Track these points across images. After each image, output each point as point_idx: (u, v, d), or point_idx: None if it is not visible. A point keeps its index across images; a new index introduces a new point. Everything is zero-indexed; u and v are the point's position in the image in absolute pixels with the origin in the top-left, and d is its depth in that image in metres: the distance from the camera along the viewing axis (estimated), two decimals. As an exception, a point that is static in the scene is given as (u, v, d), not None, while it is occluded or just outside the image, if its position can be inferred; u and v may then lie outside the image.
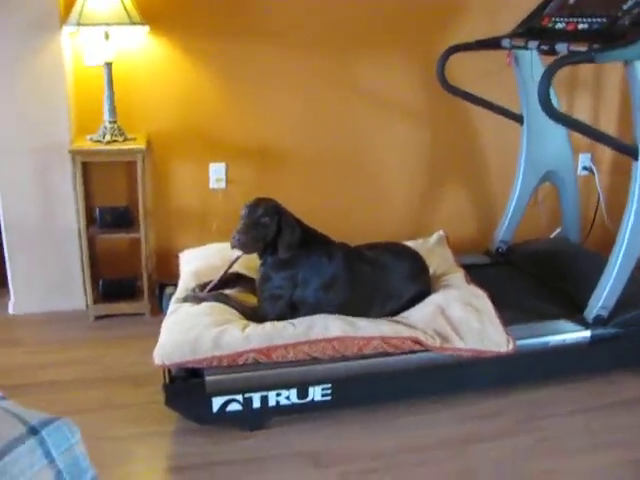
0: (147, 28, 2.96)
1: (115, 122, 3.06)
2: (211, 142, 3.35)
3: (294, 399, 2.44)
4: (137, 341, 3.04)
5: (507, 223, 3.33)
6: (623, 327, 2.69)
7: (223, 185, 3.40)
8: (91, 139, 3.08)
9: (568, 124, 2.49)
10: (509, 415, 2.56)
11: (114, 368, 2.85)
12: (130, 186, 3.30)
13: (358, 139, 3.53)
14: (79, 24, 2.84)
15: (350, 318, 2.53)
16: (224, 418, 2.42)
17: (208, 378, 2.36)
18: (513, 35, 2.98)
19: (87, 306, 3.24)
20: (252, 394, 2.40)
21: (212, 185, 3.40)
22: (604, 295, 2.66)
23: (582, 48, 2.54)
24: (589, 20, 2.67)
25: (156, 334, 3.02)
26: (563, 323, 2.71)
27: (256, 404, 2.41)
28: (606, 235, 3.66)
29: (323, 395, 2.46)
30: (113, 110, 3.06)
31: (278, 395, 2.43)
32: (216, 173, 3.38)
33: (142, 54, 3.18)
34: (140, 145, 3.04)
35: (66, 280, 3.27)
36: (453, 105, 3.53)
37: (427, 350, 2.48)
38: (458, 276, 2.91)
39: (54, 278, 3.26)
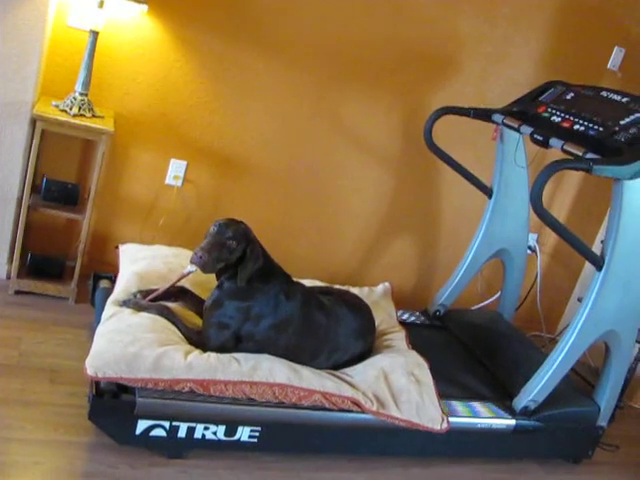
0: (145, 7, 2.78)
1: (86, 95, 2.85)
2: (177, 137, 3.19)
3: (221, 435, 2.36)
4: (57, 328, 2.87)
5: (451, 289, 3.35)
6: (545, 421, 2.76)
7: (180, 183, 3.24)
8: (57, 106, 2.85)
9: (552, 225, 2.52)
10: (422, 487, 2.60)
11: (30, 356, 2.64)
12: (83, 164, 3.11)
13: (323, 168, 3.47)
14: (76, -14, 2.63)
15: (295, 365, 2.46)
16: (145, 441, 2.30)
17: (139, 400, 2.23)
18: (506, 112, 3.01)
19: (8, 277, 3.02)
20: (180, 423, 2.30)
21: (168, 181, 3.24)
22: (537, 389, 2.72)
23: (576, 151, 2.62)
24: (586, 124, 2.73)
25: (78, 323, 2.93)
26: (493, 407, 2.75)
27: (181, 434, 2.31)
28: (532, 315, 3.80)
29: (251, 437, 2.39)
30: (88, 83, 2.84)
31: (206, 429, 2.34)
32: (175, 170, 3.22)
33: (130, 31, 2.98)
34: (108, 127, 2.84)
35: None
36: (424, 161, 3.55)
37: (361, 412, 2.46)
38: (400, 336, 2.91)
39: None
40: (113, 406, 2.24)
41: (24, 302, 2.97)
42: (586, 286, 3.82)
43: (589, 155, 2.53)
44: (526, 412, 2.75)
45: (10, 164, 2.90)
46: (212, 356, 2.39)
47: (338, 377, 2.52)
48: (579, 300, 3.70)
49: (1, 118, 2.82)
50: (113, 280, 2.90)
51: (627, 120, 2.65)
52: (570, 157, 2.61)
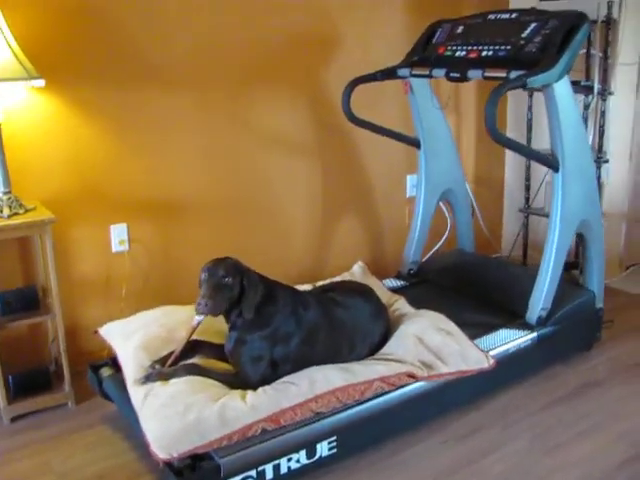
0: (42, 82, 2.59)
1: (10, 192, 2.64)
2: (108, 202, 3.04)
3: (304, 460, 2.32)
4: (75, 435, 2.67)
5: (415, 244, 3.46)
6: (559, 323, 2.94)
7: (126, 247, 3.09)
8: (-17, 216, 2.64)
9: (509, 146, 2.67)
10: (492, 426, 2.67)
11: (69, 474, 2.44)
12: (24, 263, 2.89)
13: (255, 179, 3.44)
14: (-34, 83, 2.42)
15: (343, 365, 2.47)
16: (238, 498, 2.24)
17: (222, 461, 2.15)
18: (410, 64, 3.12)
19: (-4, 409, 2.78)
20: (264, 466, 2.24)
21: (115, 248, 3.07)
22: (542, 297, 2.90)
23: (498, 74, 2.77)
24: (492, 48, 2.89)
25: (92, 422, 2.78)
26: (511, 331, 2.90)
27: (269, 475, 2.25)
28: (479, 241, 4.00)
29: (330, 449, 2.37)
30: (7, 179, 2.64)
31: (289, 460, 2.29)
32: (118, 235, 3.06)
33: (24, 112, 2.80)
34: (48, 215, 2.65)
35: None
36: (342, 138, 3.63)
37: (408, 384, 2.50)
38: (403, 302, 2.98)
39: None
40: (199, 478, 2.14)
41: (25, 426, 2.73)
42: (514, 199, 4.16)
43: (513, 73, 2.68)
44: (541, 321, 2.92)
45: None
46: (267, 389, 2.35)
47: (383, 359, 2.56)
48: (520, 211, 3.96)
49: None
50: (110, 365, 2.76)
51: (527, 32, 2.82)
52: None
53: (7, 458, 2.56)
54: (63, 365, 2.81)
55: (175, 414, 2.21)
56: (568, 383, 2.94)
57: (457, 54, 3.00)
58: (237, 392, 2.34)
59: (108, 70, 2.96)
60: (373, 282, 3.13)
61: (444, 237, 3.81)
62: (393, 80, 3.21)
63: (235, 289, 2.39)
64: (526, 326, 2.92)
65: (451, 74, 2.92)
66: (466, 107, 4.05)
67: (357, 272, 3.26)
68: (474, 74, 2.82)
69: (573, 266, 3.71)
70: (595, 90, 3.55)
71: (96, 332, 2.85)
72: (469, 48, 2.98)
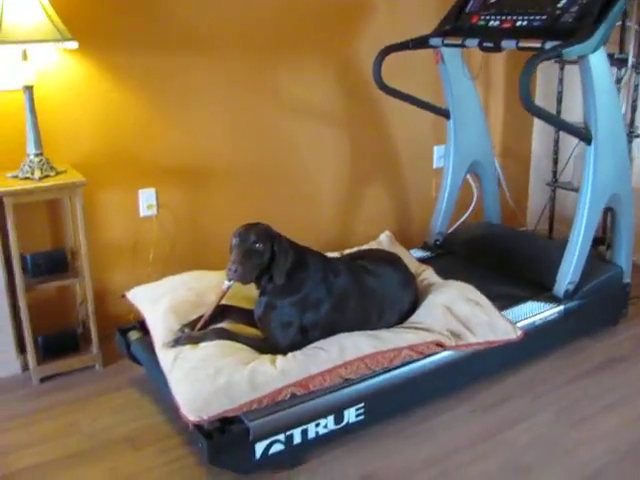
0: (75, 44, 2.57)
1: (42, 154, 2.65)
2: (138, 166, 3.03)
3: (331, 426, 2.33)
4: (102, 397, 2.71)
5: (442, 215, 3.45)
6: (586, 297, 2.93)
7: (155, 211, 3.10)
8: (15, 177, 2.63)
9: (542, 116, 2.64)
10: (519, 397, 2.68)
11: (97, 434, 2.48)
12: (53, 226, 2.90)
13: (283, 147, 3.43)
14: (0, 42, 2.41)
15: (373, 332, 2.48)
16: (266, 462, 2.24)
17: (252, 424, 2.17)
18: (442, 34, 3.09)
19: (25, 370, 2.81)
20: (293, 430, 2.25)
21: (143, 213, 3.08)
22: (571, 271, 2.89)
23: (533, 44, 2.73)
24: (527, 18, 2.85)
25: (120, 385, 2.80)
26: (538, 303, 2.89)
27: (297, 439, 2.27)
28: (510, 213, 3.99)
29: (357, 415, 2.38)
30: (39, 141, 2.63)
31: (317, 425, 2.30)
32: (146, 199, 3.07)
33: (56, 75, 2.79)
34: (79, 177, 2.66)
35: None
36: (370, 107, 3.60)
37: (436, 352, 2.51)
38: (430, 272, 2.98)
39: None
40: (229, 441, 2.16)
41: (54, 387, 2.77)
42: (541, 172, 4.12)
43: (548, 44, 2.65)
44: (569, 294, 2.91)
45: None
46: (297, 354, 2.36)
47: (412, 328, 2.56)
48: (547, 185, 3.93)
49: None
50: (138, 328, 2.78)
51: (564, 1, 2.77)
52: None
53: (36, 418, 2.59)
54: (91, 328, 2.84)
55: (206, 377, 2.22)
56: (594, 357, 2.94)
57: (490, 24, 2.96)
58: (267, 357, 2.35)
59: (141, 35, 2.95)
60: (401, 251, 3.12)
61: (470, 209, 3.79)
62: (424, 50, 3.18)
63: (266, 255, 2.39)
64: (553, 299, 2.91)
65: (484, 44, 2.88)
66: (496, 79, 4.00)
67: (384, 241, 3.25)
68: (508, 44, 2.79)
69: (600, 242, 3.68)
70: (629, 63, 3.48)
71: (123, 296, 2.86)
72: (503, 18, 2.94)
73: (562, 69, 3.72)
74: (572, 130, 2.78)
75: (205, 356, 2.33)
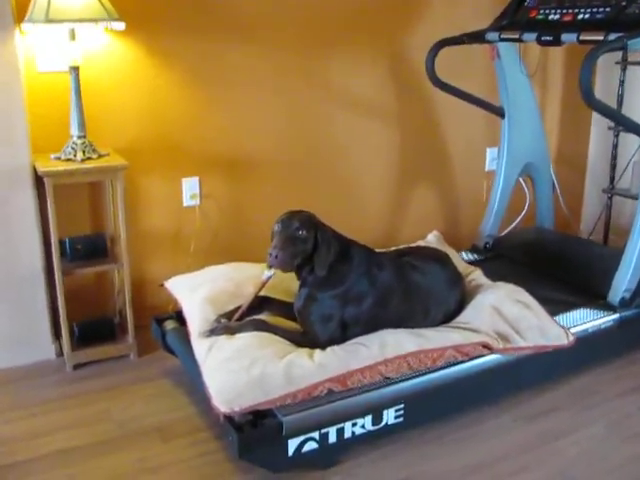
0: (122, 25, 2.55)
1: (85, 137, 2.62)
2: (181, 154, 3.00)
3: (369, 426, 2.22)
4: (135, 387, 2.66)
5: (492, 218, 3.33)
6: (643, 307, 2.80)
7: (198, 201, 3.05)
8: (58, 158, 2.61)
9: (605, 112, 2.52)
10: (567, 408, 2.53)
11: (128, 423, 2.43)
12: (93, 211, 2.87)
13: (330, 140, 3.37)
14: (48, 20, 2.37)
15: (416, 330, 2.37)
16: (299, 460, 2.14)
17: (285, 419, 2.08)
18: (499, 28, 2.98)
19: (59, 355, 2.78)
20: (328, 428, 2.15)
21: (186, 202, 3.04)
22: (627, 279, 2.74)
23: (595, 37, 2.61)
24: (589, 10, 2.73)
25: (153, 375, 2.74)
26: (591, 310, 2.75)
27: (332, 438, 2.16)
28: (563, 219, 3.83)
29: (396, 417, 2.27)
30: (82, 123, 2.61)
31: (354, 425, 2.19)
32: (190, 188, 3.03)
33: (103, 58, 2.77)
34: (121, 161, 2.63)
35: (29, 328, 2.76)
36: (422, 103, 3.51)
37: (482, 355, 2.38)
38: (479, 274, 2.85)
39: (13, 327, 2.73)
40: (260, 435, 2.07)
41: (87, 374, 2.73)
42: (598, 178, 3.95)
43: (612, 36, 2.53)
44: (625, 303, 2.75)
45: (26, 236, 2.64)
46: (336, 349, 2.26)
47: (459, 328, 2.45)
48: (604, 191, 3.76)
49: (3, 190, 2.57)
50: (175, 318, 2.72)
51: (630, -7, 2.66)
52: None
53: (69, 403, 2.56)
54: (127, 317, 2.80)
55: (240, 368, 2.14)
56: (646, 372, 2.80)
57: (550, 17, 2.84)
58: (305, 350, 2.27)
59: (190, 21, 2.91)
60: (449, 251, 2.99)
61: (523, 213, 3.63)
62: (479, 45, 3.08)
63: (308, 243, 2.30)
64: (608, 307, 2.76)
65: (543, 38, 2.76)
66: (553, 79, 3.86)
67: (432, 241, 3.13)
68: (568, 38, 2.66)
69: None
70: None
71: (162, 285, 2.80)
72: (564, 11, 2.82)
73: (624, 70, 3.56)
74: (634, 128, 2.64)
75: (241, 347, 2.25)
